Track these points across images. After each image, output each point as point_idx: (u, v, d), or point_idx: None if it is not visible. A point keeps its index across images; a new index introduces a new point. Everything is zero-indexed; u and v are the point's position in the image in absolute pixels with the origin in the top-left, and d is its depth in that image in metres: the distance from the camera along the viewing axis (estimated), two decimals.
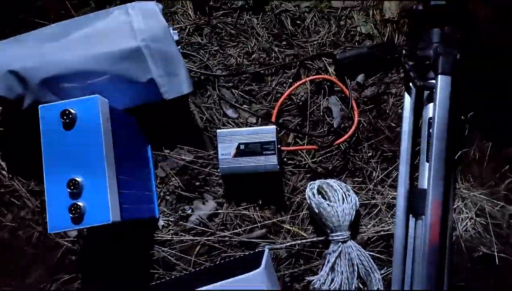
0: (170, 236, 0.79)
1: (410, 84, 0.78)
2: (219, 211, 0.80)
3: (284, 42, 0.84)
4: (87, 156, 0.60)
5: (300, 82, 0.82)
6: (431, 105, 0.75)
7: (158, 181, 0.81)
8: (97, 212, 0.58)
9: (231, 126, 0.82)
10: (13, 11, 0.84)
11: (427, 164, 0.73)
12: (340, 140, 0.80)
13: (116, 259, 0.79)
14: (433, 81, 0.74)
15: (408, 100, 0.79)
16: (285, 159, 0.82)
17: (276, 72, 0.84)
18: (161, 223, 0.80)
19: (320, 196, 0.75)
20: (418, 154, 0.79)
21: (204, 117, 0.83)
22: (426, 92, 0.77)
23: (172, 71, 0.74)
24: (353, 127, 0.79)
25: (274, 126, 0.76)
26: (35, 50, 0.71)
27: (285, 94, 0.81)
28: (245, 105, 0.83)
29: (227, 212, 0.80)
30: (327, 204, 0.73)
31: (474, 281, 0.76)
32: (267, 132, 0.76)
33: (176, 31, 0.78)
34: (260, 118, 0.83)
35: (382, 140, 0.82)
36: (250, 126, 0.82)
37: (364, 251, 0.74)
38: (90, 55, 0.70)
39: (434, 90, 0.73)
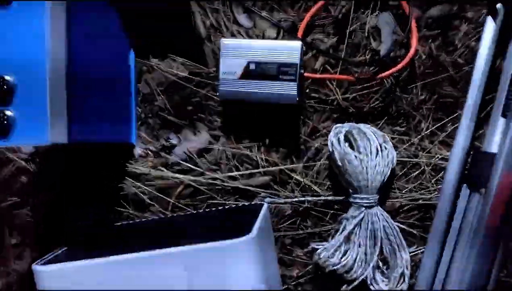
0: (148, 170, 0.64)
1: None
2: (213, 146, 0.64)
3: None
4: (25, 47, 0.43)
5: None
6: None
7: (139, 98, 0.65)
8: (31, 127, 0.42)
9: (242, 37, 0.64)
10: None
11: (502, 121, 0.55)
12: (387, 73, 0.60)
13: (77, 186, 0.65)
14: None
15: (490, 29, 0.58)
16: (307, 90, 0.63)
17: None
18: (138, 151, 0.65)
19: (347, 145, 0.58)
20: (488, 104, 0.59)
21: (208, 22, 0.64)
22: None
23: None
24: (408, 58, 0.59)
25: (299, 43, 0.57)
26: None
27: (320, 3, 0.61)
28: (264, 12, 0.64)
29: (224, 148, 0.64)
30: (355, 156, 0.56)
31: None
32: (289, 50, 0.57)
33: None
34: (282, 31, 0.63)
35: (443, 81, 0.62)
36: (267, 40, 0.64)
37: (393, 222, 0.58)
38: None
39: None
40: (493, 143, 0.54)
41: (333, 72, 0.63)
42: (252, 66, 0.57)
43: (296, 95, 0.57)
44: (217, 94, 0.60)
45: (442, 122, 0.62)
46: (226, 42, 0.58)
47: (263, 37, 0.63)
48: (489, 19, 0.58)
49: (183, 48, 0.64)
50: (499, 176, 0.51)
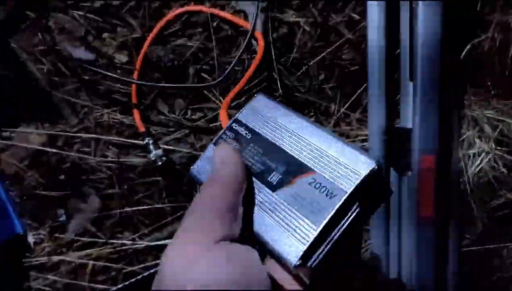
0: (46, 258, 0.58)
1: None
2: (111, 212, 0.57)
3: None
4: None
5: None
6: None
7: (7, 182, 0.57)
8: None
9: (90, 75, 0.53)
10: None
11: (411, 85, 0.46)
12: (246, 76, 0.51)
13: None
14: None
15: None
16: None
17: None
18: (31, 239, 0.58)
19: None
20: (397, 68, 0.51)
21: (45, 68, 0.54)
22: None
23: None
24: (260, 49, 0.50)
25: None
26: None
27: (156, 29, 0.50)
28: (106, 34, 0.53)
29: (123, 210, 0.57)
30: None
31: (493, 240, 0.56)
32: None
33: None
34: (133, 49, 0.53)
35: (340, 49, 0.53)
36: (118, 68, 0.53)
37: None
38: None
39: None
40: (408, 116, 0.47)
41: None
42: None
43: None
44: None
45: (354, 97, 0.54)
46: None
47: (114, 68, 0.53)
48: None
49: (32, 109, 0.55)
50: (419, 155, 0.44)
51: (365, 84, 0.53)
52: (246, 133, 0.28)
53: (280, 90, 0.53)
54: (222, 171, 0.25)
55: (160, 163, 0.53)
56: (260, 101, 0.29)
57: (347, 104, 0.53)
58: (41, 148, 0.55)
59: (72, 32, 0.52)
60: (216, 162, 0.26)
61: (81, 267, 0.58)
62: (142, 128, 0.54)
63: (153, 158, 0.53)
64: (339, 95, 0.53)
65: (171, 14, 0.52)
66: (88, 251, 0.57)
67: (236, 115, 0.30)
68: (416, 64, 0.44)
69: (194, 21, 0.52)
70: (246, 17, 0.52)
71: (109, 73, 0.52)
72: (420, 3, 0.43)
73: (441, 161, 0.45)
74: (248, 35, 0.49)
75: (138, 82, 0.52)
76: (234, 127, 0.29)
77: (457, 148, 0.51)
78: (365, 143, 0.54)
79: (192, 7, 0.52)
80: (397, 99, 0.51)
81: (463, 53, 0.51)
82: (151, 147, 0.53)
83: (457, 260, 0.52)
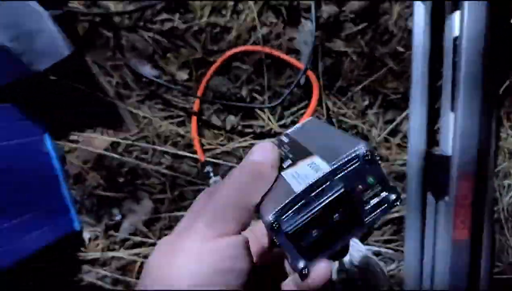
0: (100, 253, 0.63)
1: None
2: (161, 215, 0.63)
3: None
4: None
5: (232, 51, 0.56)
6: (456, 15, 0.49)
7: (70, 181, 0.64)
8: None
9: (146, 93, 0.60)
10: None
11: (452, 115, 0.50)
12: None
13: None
14: None
15: (420, 9, 0.53)
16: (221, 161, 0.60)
17: None
18: (86, 235, 0.64)
19: None
20: (440, 94, 0.55)
21: (114, 81, 0.61)
22: None
23: (29, 30, 0.50)
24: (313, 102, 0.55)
25: None
26: None
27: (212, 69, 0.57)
28: (170, 53, 0.59)
29: (172, 214, 0.62)
30: None
31: None
32: None
33: None
34: (194, 69, 0.59)
35: (384, 78, 0.58)
36: (181, 85, 0.59)
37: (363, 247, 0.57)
38: None
39: None
40: (448, 144, 0.51)
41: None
42: None
43: None
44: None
45: (395, 123, 0.58)
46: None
47: (175, 83, 0.60)
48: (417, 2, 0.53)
49: (99, 116, 0.61)
50: (457, 180, 0.48)
51: (406, 112, 0.57)
52: (287, 141, 0.32)
53: (326, 113, 0.58)
54: (254, 154, 0.27)
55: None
56: (311, 121, 0.34)
57: (387, 130, 0.58)
58: (103, 152, 0.62)
59: (140, 50, 0.59)
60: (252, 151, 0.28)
61: (130, 264, 0.63)
62: (202, 158, 0.60)
63: (212, 183, 0.59)
64: (381, 119, 0.58)
65: (232, 51, 0.58)
66: (138, 250, 0.63)
67: (287, 131, 0.34)
68: (457, 96, 0.48)
69: (250, 52, 0.58)
70: (298, 53, 0.57)
71: (172, 86, 0.59)
72: (463, 43, 0.47)
73: (478, 188, 0.49)
74: (301, 74, 0.55)
75: (199, 97, 0.58)
76: (281, 139, 0.33)
77: (493, 178, 0.55)
78: (403, 167, 0.58)
79: (251, 47, 0.57)
80: (437, 127, 0.55)
81: (502, 88, 0.55)
82: (211, 174, 0.59)
83: (488, 285, 0.54)
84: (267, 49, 0.56)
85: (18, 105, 0.57)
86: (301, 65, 0.56)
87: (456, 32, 0.49)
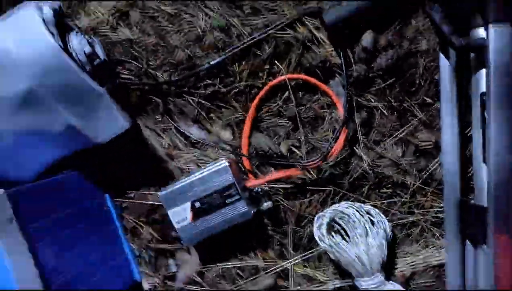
0: None
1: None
2: (210, 266, 0.67)
3: (246, 8, 0.61)
4: None
5: (271, 83, 0.62)
6: (483, 73, 0.52)
7: (128, 235, 0.69)
8: None
9: (196, 153, 0.65)
10: None
11: (484, 167, 0.53)
12: (334, 153, 0.61)
13: None
14: (483, 35, 0.50)
15: (446, 66, 0.56)
16: (266, 188, 0.63)
17: (244, 56, 0.63)
18: (146, 286, 0.69)
19: (333, 235, 0.59)
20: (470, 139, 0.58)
21: (164, 142, 0.66)
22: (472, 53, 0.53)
23: (92, 108, 0.56)
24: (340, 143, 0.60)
25: (225, 163, 0.59)
26: None
27: (251, 110, 0.62)
28: (211, 114, 0.65)
29: (221, 265, 0.67)
30: (345, 245, 0.57)
31: None
32: (220, 174, 0.58)
33: (94, 40, 0.58)
34: (236, 127, 0.65)
35: (414, 128, 0.61)
36: (225, 143, 0.65)
37: None
38: None
39: (485, 50, 0.50)
40: (483, 194, 0.53)
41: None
42: (198, 204, 0.59)
43: (249, 210, 0.59)
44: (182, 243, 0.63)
45: (429, 171, 0.61)
46: (163, 193, 0.61)
47: (219, 141, 0.65)
48: (441, 55, 0.56)
49: (150, 174, 0.67)
50: (493, 232, 0.50)
51: (439, 161, 0.60)
52: None
53: (360, 165, 0.62)
54: None
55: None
56: None
57: (422, 179, 0.61)
58: (156, 204, 0.67)
59: (187, 113, 0.65)
60: None
61: None
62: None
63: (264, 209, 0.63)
64: (415, 168, 0.61)
65: (261, 92, 0.63)
66: None
67: None
68: (488, 150, 0.50)
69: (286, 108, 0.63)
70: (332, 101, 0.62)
71: (219, 145, 0.64)
72: (491, 105, 0.50)
73: None
74: (339, 129, 0.59)
75: (245, 155, 0.63)
76: None
77: None
78: (441, 215, 0.61)
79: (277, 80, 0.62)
80: (471, 172, 0.58)
81: None
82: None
83: None
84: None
85: (81, 172, 0.64)
86: (340, 110, 0.60)
87: (483, 88, 0.52)
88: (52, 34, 0.52)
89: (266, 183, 0.62)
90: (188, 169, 0.66)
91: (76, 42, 0.57)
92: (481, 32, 0.50)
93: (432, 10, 0.52)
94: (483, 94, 0.52)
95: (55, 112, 0.55)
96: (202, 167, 0.64)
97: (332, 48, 0.60)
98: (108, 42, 0.64)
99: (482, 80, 0.52)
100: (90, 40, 0.59)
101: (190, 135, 0.65)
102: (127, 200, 0.68)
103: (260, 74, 0.63)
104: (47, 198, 0.57)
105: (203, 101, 0.64)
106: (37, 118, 0.56)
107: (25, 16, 0.53)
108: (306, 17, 0.60)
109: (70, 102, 0.55)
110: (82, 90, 0.55)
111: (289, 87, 0.61)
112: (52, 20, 0.54)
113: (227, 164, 0.59)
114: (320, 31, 0.60)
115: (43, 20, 0.53)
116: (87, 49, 0.57)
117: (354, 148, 0.61)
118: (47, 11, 0.54)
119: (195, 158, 0.66)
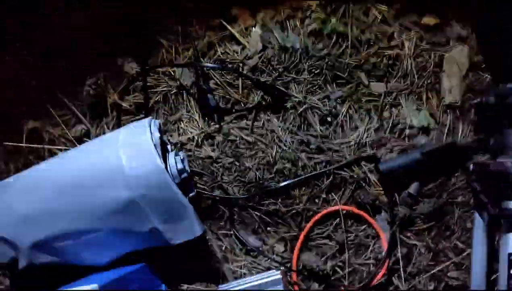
0: None
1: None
2: None
3: (312, 146, 0.73)
4: None
5: (324, 212, 0.72)
6: (511, 236, 0.62)
7: None
8: None
9: (250, 260, 0.74)
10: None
11: None
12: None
13: None
14: None
15: (479, 224, 0.66)
16: None
17: (305, 184, 0.73)
18: None
19: None
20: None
21: (224, 246, 0.76)
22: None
23: (176, 216, 0.66)
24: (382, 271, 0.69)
25: (279, 275, 0.67)
26: (21, 206, 0.67)
27: (305, 230, 0.72)
28: (269, 228, 0.75)
29: None
30: None
31: None
32: (273, 284, 0.66)
33: (180, 156, 0.69)
34: (289, 243, 0.74)
35: (447, 268, 0.70)
36: (277, 255, 0.74)
37: None
38: (83, 212, 0.65)
39: None
40: None
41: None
42: None
43: None
44: None
45: None
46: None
47: (273, 252, 0.74)
48: (476, 214, 0.66)
49: (206, 271, 0.75)
50: None
51: None
52: None
53: None
54: None
55: None
56: None
57: None
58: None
59: (248, 224, 0.74)
60: None
61: None
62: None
63: None
64: None
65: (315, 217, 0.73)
66: None
67: None
68: None
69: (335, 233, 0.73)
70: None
71: (272, 257, 0.73)
72: None
73: None
74: (383, 260, 0.69)
75: (294, 270, 0.72)
76: None
77: None
78: None
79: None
80: None
81: None
82: None
83: None
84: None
85: (148, 265, 0.73)
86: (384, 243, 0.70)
87: (511, 249, 0.61)
88: (159, 155, 0.64)
89: None
90: (240, 272, 0.75)
91: (172, 158, 0.68)
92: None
93: (473, 181, 0.63)
94: (510, 254, 0.62)
95: (146, 218, 0.65)
96: (255, 274, 0.72)
97: (382, 190, 0.71)
98: (191, 156, 0.75)
99: (510, 242, 0.62)
100: (180, 156, 0.70)
101: (247, 243, 0.74)
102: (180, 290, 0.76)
103: (316, 200, 0.73)
104: (125, 286, 0.66)
105: (264, 216, 0.74)
106: (130, 220, 0.66)
107: (140, 137, 0.65)
108: (362, 161, 0.71)
109: (160, 211, 0.65)
110: (173, 203, 0.65)
111: (341, 216, 0.72)
112: (158, 141, 0.66)
113: (280, 276, 0.67)
114: (373, 174, 0.71)
115: (153, 141, 0.65)
116: (180, 165, 0.68)
117: (392, 277, 0.70)
118: (156, 133, 0.66)
119: (248, 263, 0.75)
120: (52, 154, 0.78)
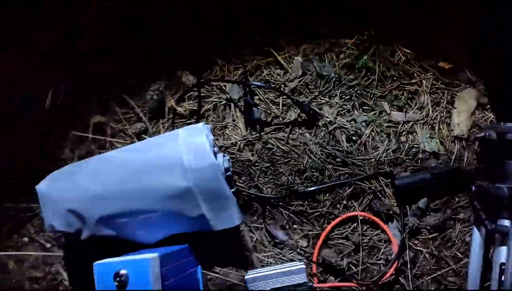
0: None
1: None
2: None
3: (338, 160, 0.86)
4: None
5: (343, 216, 0.85)
6: (503, 249, 0.74)
7: None
8: None
9: (276, 251, 0.86)
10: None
11: None
12: (385, 277, 0.81)
13: None
14: (507, 224, 0.73)
15: (477, 237, 0.78)
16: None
17: (329, 191, 0.86)
18: None
19: None
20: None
21: (254, 238, 0.87)
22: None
23: (221, 206, 0.78)
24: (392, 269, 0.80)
25: (303, 265, 0.78)
26: (93, 186, 0.79)
27: (327, 230, 0.84)
28: (295, 225, 0.86)
29: None
30: None
31: None
32: (297, 273, 0.77)
33: (226, 157, 0.82)
34: (311, 239, 0.85)
35: (447, 273, 0.81)
36: (300, 249, 0.86)
37: None
38: (145, 195, 0.77)
39: (508, 237, 0.71)
40: None
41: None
42: None
43: None
44: None
45: None
46: (249, 276, 0.79)
47: (297, 247, 0.85)
48: (475, 229, 0.78)
49: (237, 258, 0.87)
50: None
51: None
52: None
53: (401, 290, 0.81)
54: None
55: None
56: None
57: None
58: (236, 282, 0.86)
59: (277, 220, 0.86)
60: None
61: None
62: None
63: None
64: None
65: (334, 223, 0.84)
66: None
67: None
68: None
69: (352, 235, 0.84)
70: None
71: (296, 250, 0.84)
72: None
73: None
74: (393, 260, 0.80)
75: (314, 261, 0.83)
76: None
77: None
78: None
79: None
80: None
81: None
82: None
83: None
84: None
85: (189, 246, 0.84)
86: (395, 247, 0.81)
87: (503, 259, 0.73)
88: (213, 153, 0.77)
89: (329, 288, 0.82)
90: (267, 261, 0.86)
91: (220, 158, 0.80)
92: (506, 222, 0.73)
93: (474, 200, 0.75)
94: (502, 264, 0.73)
95: (197, 205, 0.77)
96: (280, 263, 0.84)
97: (395, 202, 0.83)
98: (233, 158, 0.88)
99: (503, 253, 0.73)
100: (226, 156, 0.83)
101: (276, 236, 0.86)
102: (212, 273, 0.87)
103: (338, 206, 0.85)
104: (173, 262, 0.77)
105: (291, 215, 0.86)
106: (183, 206, 0.78)
107: (198, 138, 0.78)
108: (380, 176, 0.84)
109: (209, 201, 0.77)
110: (220, 194, 0.77)
111: (358, 221, 0.83)
112: (212, 143, 0.79)
113: (304, 266, 0.78)
114: (388, 188, 0.83)
115: (208, 142, 0.78)
116: (226, 164, 0.80)
117: (400, 277, 0.81)
118: (210, 135, 0.79)
119: (274, 254, 0.86)
120: (112, 145, 0.91)
